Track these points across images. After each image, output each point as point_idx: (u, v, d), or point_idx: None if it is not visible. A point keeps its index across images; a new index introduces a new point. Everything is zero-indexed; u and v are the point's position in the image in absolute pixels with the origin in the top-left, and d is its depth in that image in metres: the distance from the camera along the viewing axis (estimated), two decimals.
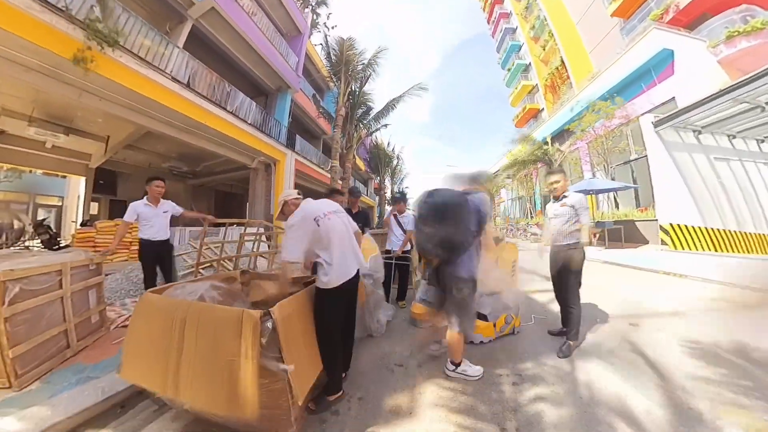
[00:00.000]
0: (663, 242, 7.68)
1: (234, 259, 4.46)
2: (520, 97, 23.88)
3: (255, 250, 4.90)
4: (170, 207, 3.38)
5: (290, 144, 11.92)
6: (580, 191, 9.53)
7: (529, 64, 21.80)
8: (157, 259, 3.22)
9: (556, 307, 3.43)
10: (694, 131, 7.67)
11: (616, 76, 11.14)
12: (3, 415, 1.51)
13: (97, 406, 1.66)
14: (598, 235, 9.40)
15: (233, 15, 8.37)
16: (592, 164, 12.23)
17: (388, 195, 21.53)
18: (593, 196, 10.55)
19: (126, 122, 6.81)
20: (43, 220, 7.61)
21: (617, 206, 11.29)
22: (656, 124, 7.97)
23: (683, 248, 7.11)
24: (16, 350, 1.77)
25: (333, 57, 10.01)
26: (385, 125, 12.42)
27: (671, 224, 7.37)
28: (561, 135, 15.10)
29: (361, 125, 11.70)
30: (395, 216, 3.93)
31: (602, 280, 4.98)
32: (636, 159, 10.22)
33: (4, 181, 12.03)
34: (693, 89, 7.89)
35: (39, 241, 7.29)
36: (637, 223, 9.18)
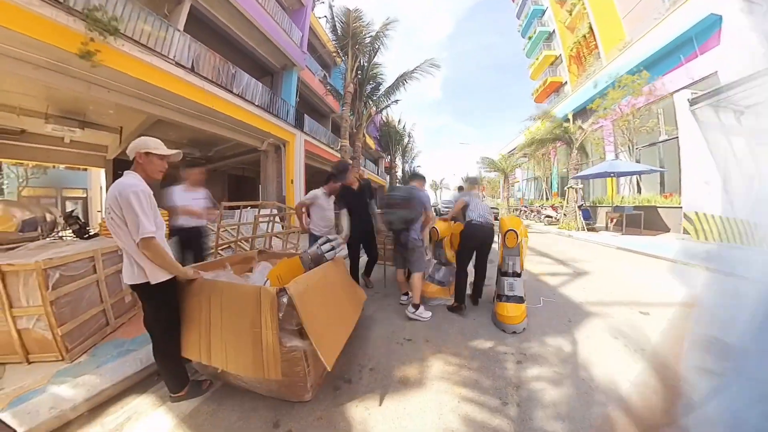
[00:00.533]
0: (685, 231, 7.29)
1: (250, 239, 4.72)
2: (542, 68, 22.01)
3: (269, 230, 5.12)
4: (205, 195, 3.37)
5: (299, 124, 11.71)
6: (599, 173, 9.11)
7: (553, 31, 19.85)
8: (189, 245, 3.25)
9: (566, 290, 3.60)
10: (735, 111, 6.97)
11: (651, 46, 9.96)
12: (60, 383, 1.75)
13: (136, 374, 1.90)
14: (615, 220, 9.02)
15: None
16: (616, 144, 11.40)
17: (399, 174, 21.21)
18: (614, 179, 9.95)
19: (136, 112, 6.83)
20: (72, 211, 7.97)
21: (639, 191, 10.67)
22: (693, 102, 7.26)
23: (706, 239, 6.77)
24: (63, 328, 1.99)
25: (339, 30, 9.47)
26: (396, 101, 11.95)
27: (696, 213, 6.96)
28: (584, 111, 14.08)
29: (371, 102, 11.27)
30: None
31: (614, 266, 4.91)
32: (665, 140, 9.42)
33: (32, 178, 12.85)
34: (740, 63, 7.05)
35: (70, 231, 7.70)
36: (659, 209, 8.66)
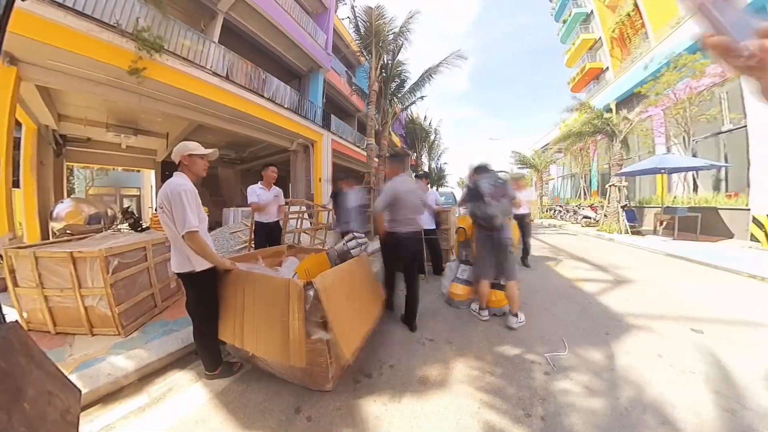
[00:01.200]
0: (753, 237, 6.30)
1: (282, 235, 4.98)
2: (578, 54, 20.13)
3: (298, 227, 5.40)
4: (279, 193, 3.69)
5: (326, 124, 12.04)
6: (648, 169, 8.14)
7: (591, 12, 18.10)
8: (268, 239, 3.61)
9: (605, 299, 3.32)
10: None
11: None
12: (116, 354, 2.05)
13: (178, 352, 2.15)
14: (665, 223, 7.91)
15: (259, 1, 8.41)
16: (668, 136, 10.08)
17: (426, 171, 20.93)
18: (665, 175, 8.72)
19: (180, 119, 7.52)
20: (128, 207, 9.09)
21: (695, 189, 9.29)
22: None
23: None
24: (120, 308, 2.32)
25: (362, 29, 9.54)
26: (421, 98, 11.79)
27: None
28: (630, 100, 12.79)
29: (396, 99, 11.24)
30: None
31: (663, 275, 4.36)
32: (730, 130, 8.13)
33: (96, 179, 14.90)
34: None
35: (127, 224, 8.75)
36: (720, 211, 7.47)
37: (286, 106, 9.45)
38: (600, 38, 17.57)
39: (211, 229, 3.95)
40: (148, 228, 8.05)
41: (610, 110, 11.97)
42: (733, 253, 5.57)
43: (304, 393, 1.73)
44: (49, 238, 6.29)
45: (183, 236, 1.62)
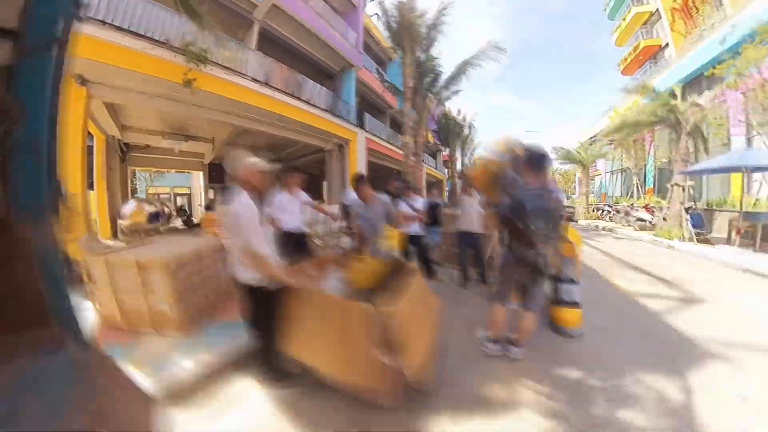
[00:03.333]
0: None
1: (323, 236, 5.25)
2: (631, 31, 17.73)
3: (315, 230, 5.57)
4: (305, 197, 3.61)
5: (360, 123, 12.12)
6: (725, 167, 6.97)
7: None
8: (296, 249, 3.29)
9: (669, 321, 2.93)
10: None
11: None
12: (180, 355, 2.13)
13: (237, 354, 2.20)
14: (743, 231, 6.66)
15: (291, 5, 8.64)
16: (750, 126, 8.43)
17: (459, 167, 20.34)
18: (744, 174, 7.01)
19: (224, 124, 7.99)
20: (182, 206, 10.05)
21: None
22: None
23: None
24: (183, 310, 2.46)
25: (394, 24, 9.33)
26: (457, 92, 11.34)
27: None
28: (697, 82, 11.12)
29: (431, 94, 10.87)
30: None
31: (739, 294, 3.70)
32: None
33: (155, 180, 16.75)
34: None
35: (181, 221, 9.57)
36: None
37: (321, 107, 9.62)
38: (657, 10, 15.34)
39: None
40: (199, 225, 8.75)
41: (674, 95, 10.51)
42: None
43: (363, 409, 1.70)
44: (117, 235, 7.10)
45: (247, 255, 1.69)
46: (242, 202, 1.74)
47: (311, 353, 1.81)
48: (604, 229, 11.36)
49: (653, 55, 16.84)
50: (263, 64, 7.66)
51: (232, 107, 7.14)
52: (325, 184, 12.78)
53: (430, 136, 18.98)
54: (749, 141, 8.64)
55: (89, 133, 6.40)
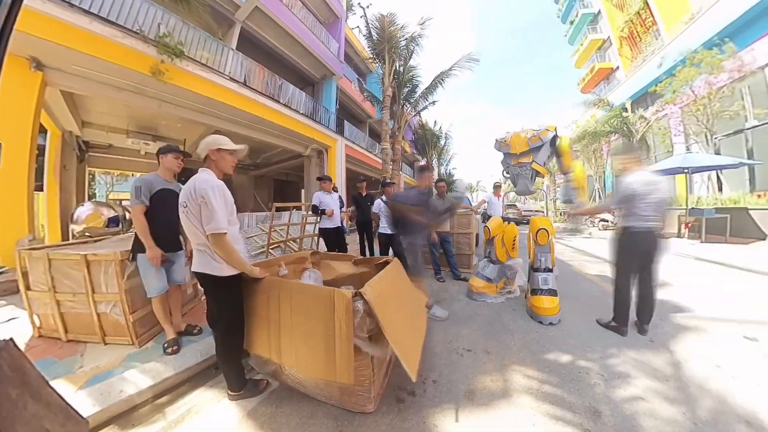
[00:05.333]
0: None
1: (299, 240, 5.01)
2: (587, 55, 20.04)
3: (315, 231, 5.27)
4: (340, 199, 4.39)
5: (339, 130, 12.14)
6: (669, 169, 7.83)
7: (598, 12, 18.09)
8: (336, 244, 4.19)
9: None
10: None
11: (726, 16, 8.58)
12: (130, 367, 1.86)
13: (197, 365, 1.95)
14: (690, 225, 7.60)
15: (275, 10, 8.60)
16: (687, 135, 9.79)
17: (435, 176, 20.86)
18: (686, 176, 8.26)
19: (197, 124, 7.62)
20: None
21: (720, 189, 8.95)
22: None
23: None
24: (135, 315, 2.16)
25: (375, 35, 9.66)
26: (433, 102, 11.81)
27: None
28: (643, 99, 12.58)
29: (408, 104, 11.28)
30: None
31: (696, 279, 4.10)
32: (755, 126, 7.87)
33: (117, 184, 15.22)
34: None
35: None
36: (751, 212, 7.07)
37: (301, 112, 9.53)
38: (609, 38, 17.46)
39: None
40: None
41: (625, 109, 11.79)
42: None
43: (342, 415, 1.55)
44: (69, 241, 6.34)
45: (207, 236, 1.46)
46: (209, 179, 1.53)
47: (283, 351, 1.60)
48: (572, 230, 12.13)
49: (606, 76, 18.88)
50: (243, 64, 7.49)
51: (207, 106, 6.86)
52: (303, 190, 12.56)
53: (407, 146, 19.46)
54: (688, 148, 9.80)
55: (42, 126, 5.82)
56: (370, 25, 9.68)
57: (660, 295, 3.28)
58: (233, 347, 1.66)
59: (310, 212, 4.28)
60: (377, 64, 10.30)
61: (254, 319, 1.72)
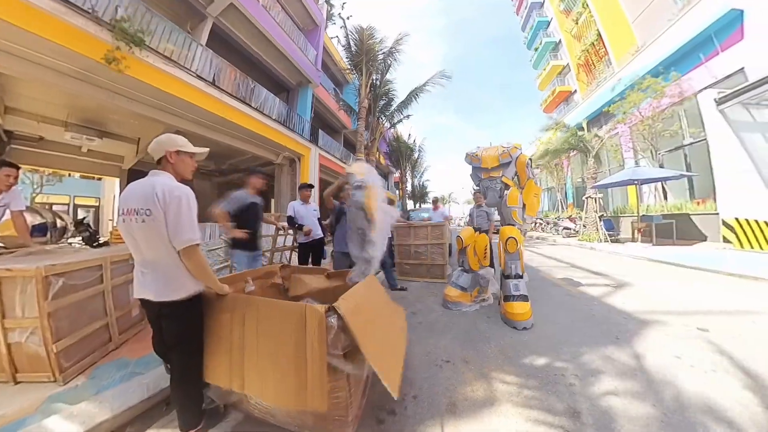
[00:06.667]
0: (725, 240, 6.81)
1: (269, 253, 4.51)
2: (549, 79, 22.18)
3: (285, 244, 4.88)
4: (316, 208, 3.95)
5: (314, 139, 11.83)
6: (622, 181, 8.67)
7: (559, 41, 20.07)
8: (313, 258, 3.75)
9: (605, 305, 3.32)
10: None
11: (666, 49, 9.84)
12: (51, 412, 1.46)
13: (142, 403, 1.61)
14: (642, 230, 8.45)
15: (251, 10, 8.25)
16: (636, 151, 11.00)
17: (409, 188, 21.12)
18: (636, 186, 9.51)
19: (156, 123, 6.91)
20: (83, 219, 7.96)
21: (665, 197, 10.14)
22: (720, 101, 7.01)
23: (752, 247, 6.21)
24: (60, 344, 1.74)
25: (353, 47, 9.69)
26: (408, 116, 12.03)
27: (737, 219, 6.48)
28: (598, 119, 13.86)
29: (384, 117, 11.40)
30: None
31: (652, 279, 4.47)
32: (691, 143, 9.04)
33: (47, 185, 13.15)
34: None
35: (80, 238, 7.63)
36: (692, 216, 8.15)
37: (274, 118, 9.13)
38: (568, 64, 19.41)
39: None
40: (107, 243, 7.03)
41: (582, 128, 12.90)
42: (710, 254, 5.97)
43: None
44: None
45: (180, 251, 1.27)
46: (179, 185, 1.34)
47: (247, 379, 1.39)
48: (538, 238, 12.77)
49: (566, 98, 20.78)
50: (213, 62, 7.02)
51: (169, 103, 6.26)
52: (273, 200, 11.98)
53: (381, 157, 19.58)
54: (637, 162, 11.02)
55: None
56: (350, 37, 9.71)
57: (622, 295, 3.67)
58: (194, 377, 1.42)
59: (285, 224, 3.90)
60: (354, 75, 10.31)
61: (214, 343, 1.47)
